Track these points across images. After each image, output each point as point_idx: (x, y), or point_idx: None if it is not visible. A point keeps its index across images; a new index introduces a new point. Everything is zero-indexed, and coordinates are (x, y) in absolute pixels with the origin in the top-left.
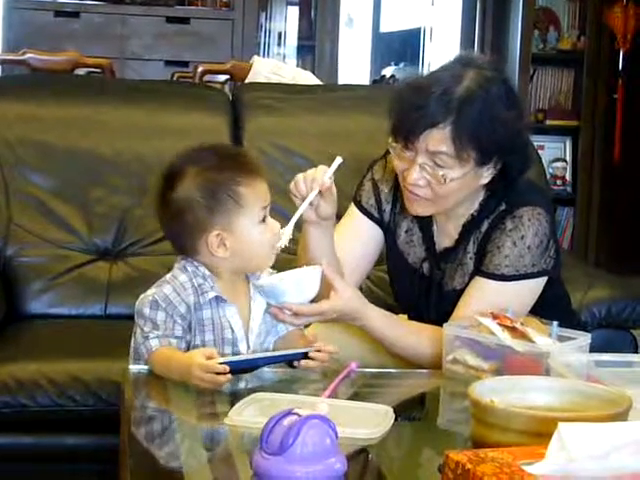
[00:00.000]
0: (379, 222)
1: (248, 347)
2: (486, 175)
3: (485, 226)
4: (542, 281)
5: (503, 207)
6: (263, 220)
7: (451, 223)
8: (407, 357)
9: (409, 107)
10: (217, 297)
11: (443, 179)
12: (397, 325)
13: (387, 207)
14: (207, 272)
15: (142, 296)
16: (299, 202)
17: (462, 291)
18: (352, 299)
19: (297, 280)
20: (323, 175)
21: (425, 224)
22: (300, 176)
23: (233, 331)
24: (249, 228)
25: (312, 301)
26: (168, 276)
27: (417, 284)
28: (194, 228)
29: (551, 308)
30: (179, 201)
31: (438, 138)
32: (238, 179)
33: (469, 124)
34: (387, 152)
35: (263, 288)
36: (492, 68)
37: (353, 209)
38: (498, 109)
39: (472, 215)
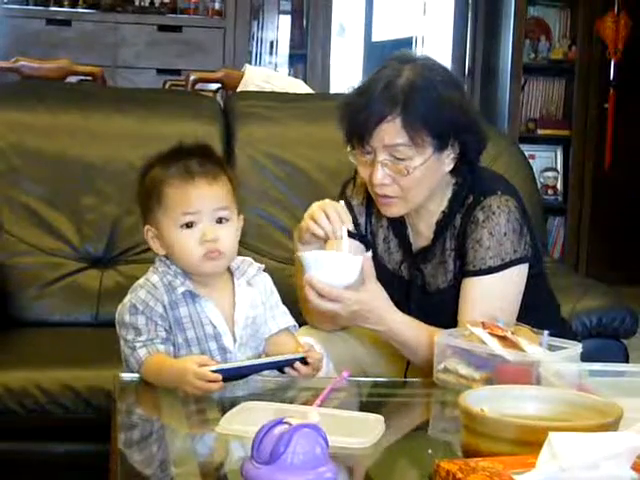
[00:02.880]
0: (359, 237)
1: (235, 340)
2: (448, 161)
3: (458, 221)
4: (525, 269)
5: (470, 200)
6: (189, 226)
7: (423, 223)
8: (419, 359)
9: (356, 110)
10: (190, 293)
11: (406, 170)
12: (417, 327)
13: (362, 219)
14: (179, 270)
15: (120, 305)
16: (320, 231)
17: (446, 290)
18: (381, 298)
19: (336, 262)
20: (345, 213)
21: (399, 229)
22: (323, 216)
23: (215, 326)
24: (170, 230)
25: None
26: (141, 280)
27: (397, 288)
28: (141, 220)
29: (541, 317)
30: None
31: (390, 131)
32: (167, 179)
33: (417, 110)
34: (356, 172)
35: (304, 257)
36: (428, 59)
37: None
38: (442, 92)
39: (443, 212)
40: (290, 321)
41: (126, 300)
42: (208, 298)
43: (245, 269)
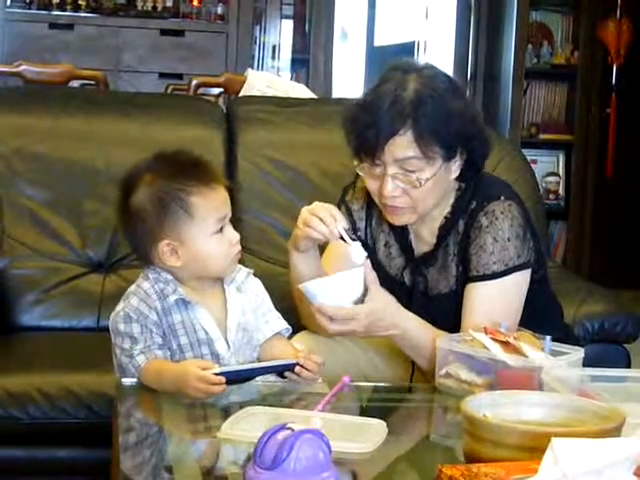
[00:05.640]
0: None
1: (228, 346)
2: (455, 168)
3: (461, 226)
4: (528, 274)
5: (474, 205)
6: (220, 231)
7: (426, 228)
8: (427, 363)
9: (365, 125)
10: (183, 300)
11: (418, 182)
12: (430, 330)
13: (361, 224)
14: (169, 277)
15: (113, 313)
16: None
17: (448, 295)
18: (389, 302)
19: (338, 283)
20: (337, 212)
21: (401, 234)
22: (316, 220)
23: (207, 332)
24: (202, 239)
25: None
26: (132, 287)
27: (398, 294)
28: (145, 236)
29: (544, 322)
30: (132, 208)
31: (402, 144)
32: (190, 188)
33: (427, 123)
34: (356, 177)
35: (306, 288)
36: (430, 67)
37: None
38: (449, 102)
39: (445, 217)
40: (283, 324)
41: (119, 308)
42: (200, 304)
43: (234, 275)
